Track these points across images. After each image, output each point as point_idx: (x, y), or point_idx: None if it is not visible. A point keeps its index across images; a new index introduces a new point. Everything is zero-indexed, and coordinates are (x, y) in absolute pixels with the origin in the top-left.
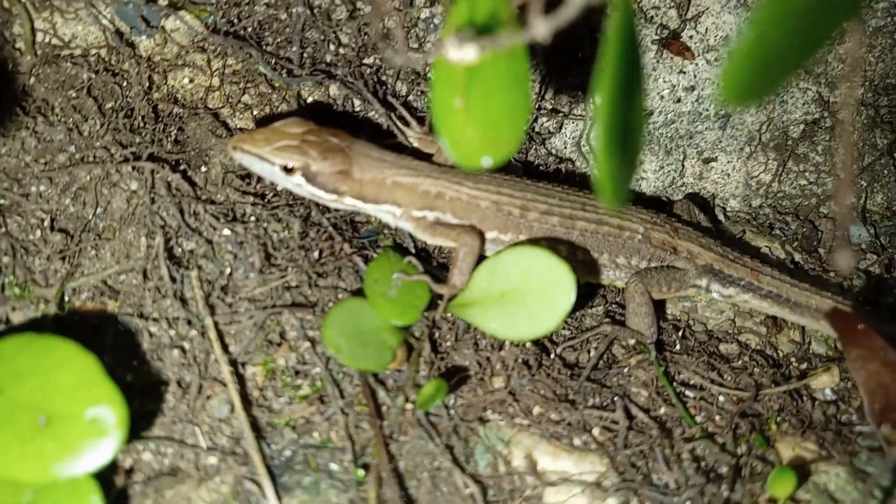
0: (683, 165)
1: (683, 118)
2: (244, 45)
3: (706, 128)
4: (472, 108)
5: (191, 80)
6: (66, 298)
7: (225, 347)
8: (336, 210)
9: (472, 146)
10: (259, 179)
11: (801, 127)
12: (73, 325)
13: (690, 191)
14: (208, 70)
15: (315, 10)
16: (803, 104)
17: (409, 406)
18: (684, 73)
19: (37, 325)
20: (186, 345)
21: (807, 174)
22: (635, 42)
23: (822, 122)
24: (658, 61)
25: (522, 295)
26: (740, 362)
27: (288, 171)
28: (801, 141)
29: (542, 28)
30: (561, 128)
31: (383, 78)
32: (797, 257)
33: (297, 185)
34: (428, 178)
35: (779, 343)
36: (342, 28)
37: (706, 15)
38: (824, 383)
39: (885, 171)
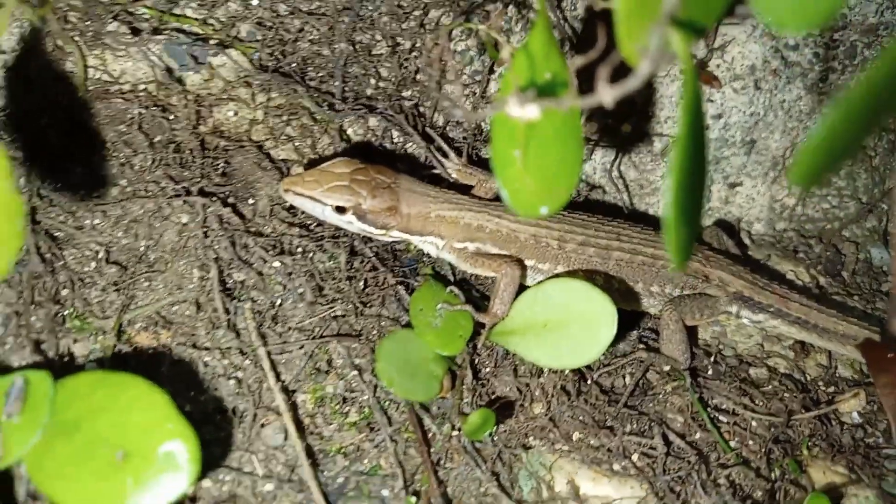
0: (710, 190)
1: (711, 144)
2: (288, 81)
3: (732, 153)
4: (530, 160)
5: (235, 114)
6: (122, 329)
7: (277, 376)
8: (382, 242)
9: (529, 196)
10: (304, 211)
11: None
12: (130, 356)
13: (717, 216)
14: (252, 104)
15: (357, 46)
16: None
17: (454, 433)
18: (712, 101)
19: (97, 357)
20: (240, 374)
21: (829, 198)
22: (702, 121)
23: None
24: None
25: (565, 325)
26: (770, 387)
27: (340, 210)
28: None
29: (608, 96)
30: (591, 154)
31: (421, 110)
32: (822, 281)
33: (348, 222)
34: (469, 212)
35: (806, 367)
36: (382, 63)
37: (733, 45)
38: (852, 407)
39: None
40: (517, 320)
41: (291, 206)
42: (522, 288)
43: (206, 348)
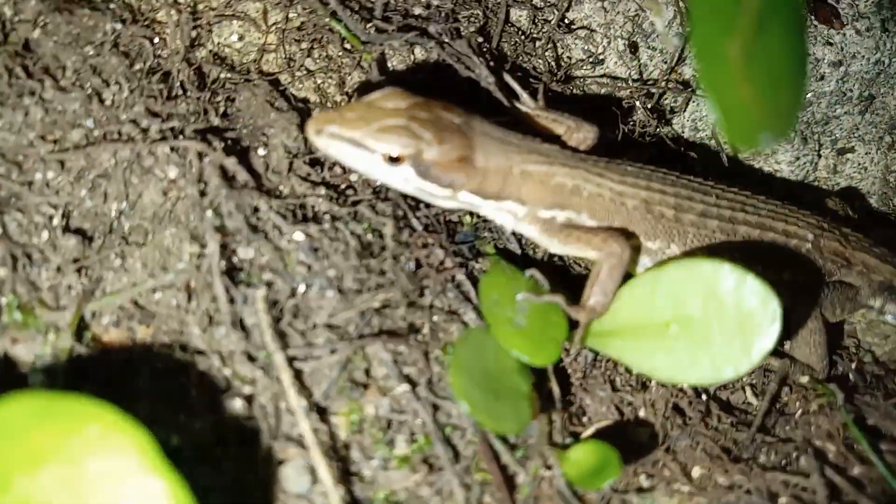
0: (819, 155)
1: (823, 100)
2: None
3: (845, 112)
4: (754, 58)
5: (241, 38)
6: (85, 325)
7: (303, 392)
8: (438, 208)
9: (749, 115)
10: (333, 165)
11: None
12: (94, 362)
13: (825, 186)
14: (264, 24)
15: None
16: None
17: (546, 473)
18: (831, 44)
19: (47, 366)
20: (248, 389)
21: None
22: None
23: None
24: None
25: (700, 325)
26: None
27: (394, 160)
28: None
29: None
30: (687, 105)
31: (486, 38)
32: None
33: (403, 179)
34: (563, 167)
35: None
36: None
37: None
38: None
39: None
40: (625, 317)
41: (317, 159)
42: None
43: (202, 352)
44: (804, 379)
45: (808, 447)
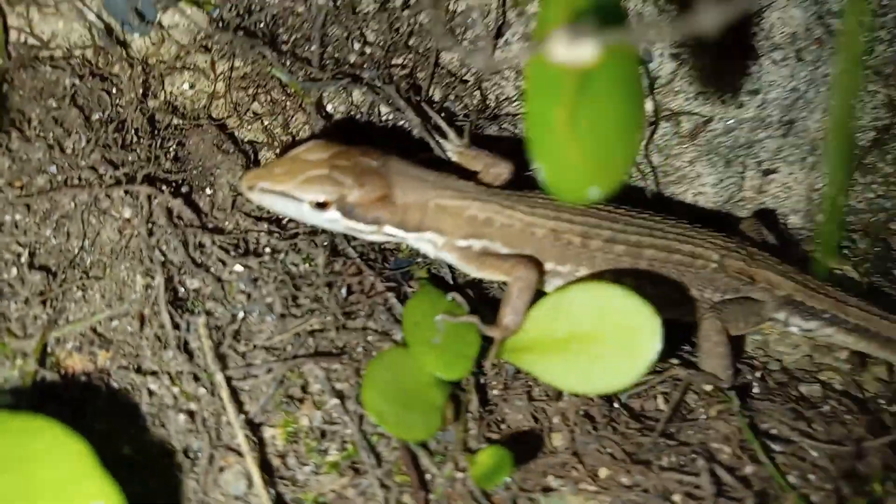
0: (743, 178)
1: (745, 125)
2: (255, 44)
3: (767, 136)
4: (580, 123)
5: (192, 86)
6: (49, 351)
7: (239, 407)
8: (366, 240)
9: (576, 173)
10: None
11: (870, 134)
12: (57, 384)
13: (750, 206)
14: (212, 74)
15: (338, 2)
16: (872, 108)
17: (458, 475)
18: (748, 74)
19: (14, 390)
20: (193, 406)
21: (875, 186)
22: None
23: (892, 129)
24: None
25: (595, 340)
26: (828, 407)
27: (320, 206)
28: (869, 149)
29: (712, 18)
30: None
31: (416, 82)
32: (872, 280)
33: (331, 220)
34: (476, 202)
35: (864, 382)
36: (369, 23)
37: (771, 9)
38: None
39: None
40: (534, 334)
41: None
42: (538, 295)
43: (153, 373)
44: (708, 387)
45: (703, 449)
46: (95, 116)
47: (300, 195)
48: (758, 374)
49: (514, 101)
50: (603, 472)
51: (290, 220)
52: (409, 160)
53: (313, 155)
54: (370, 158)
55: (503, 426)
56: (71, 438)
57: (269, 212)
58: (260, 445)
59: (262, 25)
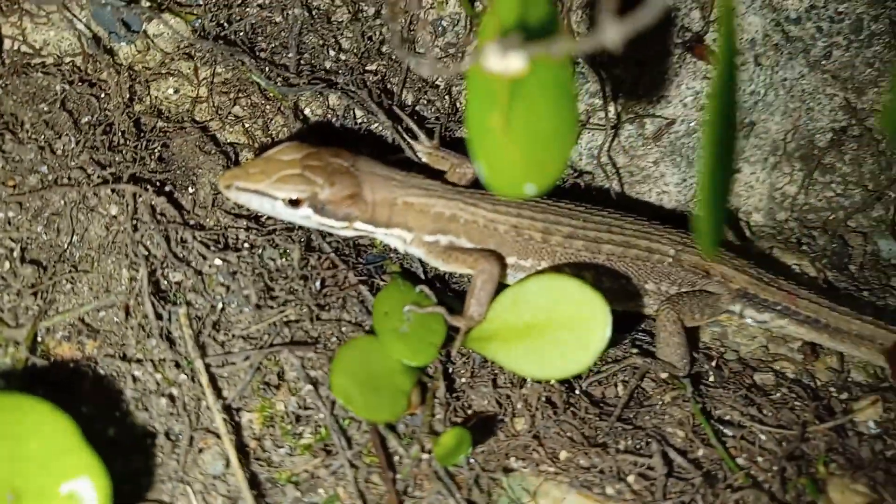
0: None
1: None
2: (235, 52)
3: None
4: (514, 126)
5: (176, 91)
6: (40, 339)
7: (218, 393)
8: (339, 236)
9: (513, 171)
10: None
11: (829, 135)
12: (46, 370)
13: None
14: (195, 79)
15: (314, 12)
16: (830, 111)
17: (424, 456)
18: (708, 78)
19: (6, 374)
20: (175, 391)
21: (833, 185)
22: (735, 101)
23: (850, 130)
24: (681, 66)
25: (551, 329)
26: (779, 395)
27: (294, 203)
28: (827, 150)
29: (614, 33)
30: (577, 138)
31: (388, 86)
32: (828, 275)
33: (304, 217)
34: (441, 199)
35: (816, 371)
36: (343, 32)
37: None
38: (868, 415)
39: None
40: (496, 324)
41: None
42: (502, 287)
43: (137, 360)
44: (664, 375)
45: (658, 433)
46: (84, 120)
47: (274, 193)
48: (713, 364)
49: None
50: (563, 455)
51: (268, 218)
52: (379, 160)
53: (287, 156)
54: (341, 159)
55: (469, 411)
56: (57, 416)
57: (247, 210)
58: (237, 429)
59: (241, 35)
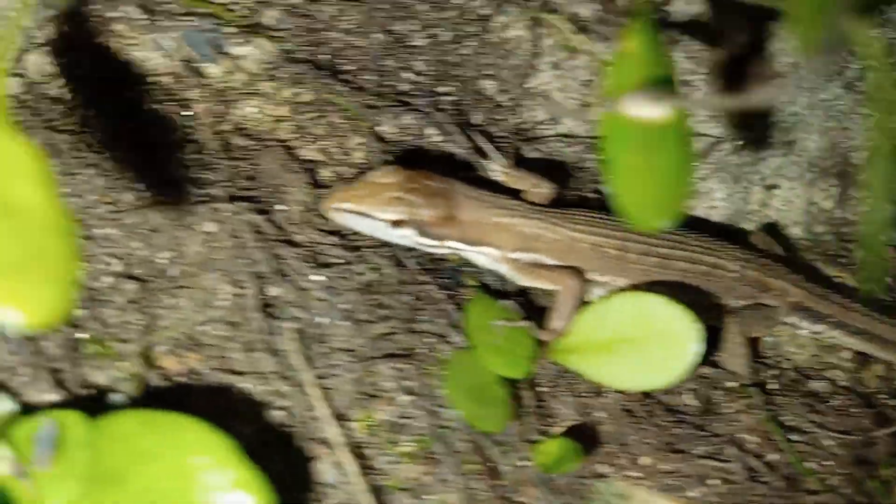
0: (749, 193)
1: (750, 146)
2: (318, 75)
3: (770, 154)
4: (647, 167)
5: (259, 111)
6: (147, 353)
7: (329, 403)
8: (428, 253)
9: (647, 208)
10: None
11: (864, 153)
12: (156, 385)
13: (755, 219)
14: (278, 99)
15: (394, 36)
16: (866, 130)
17: (522, 463)
18: None
19: (121, 389)
20: (285, 402)
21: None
22: None
23: (881, 149)
24: None
25: (640, 344)
26: (837, 401)
27: (396, 224)
28: (862, 167)
29: (763, 95)
30: None
31: (460, 108)
32: (874, 288)
33: (403, 237)
34: (526, 219)
35: (865, 379)
36: (418, 55)
37: (774, 39)
38: None
39: None
40: (580, 337)
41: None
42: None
43: (244, 374)
44: (731, 384)
45: (733, 439)
46: (175, 138)
47: (379, 215)
48: (773, 373)
49: (545, 124)
50: (644, 461)
51: (354, 235)
52: (467, 182)
53: (387, 179)
54: (435, 182)
55: (553, 420)
56: (213, 432)
57: (335, 227)
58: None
59: (324, 58)
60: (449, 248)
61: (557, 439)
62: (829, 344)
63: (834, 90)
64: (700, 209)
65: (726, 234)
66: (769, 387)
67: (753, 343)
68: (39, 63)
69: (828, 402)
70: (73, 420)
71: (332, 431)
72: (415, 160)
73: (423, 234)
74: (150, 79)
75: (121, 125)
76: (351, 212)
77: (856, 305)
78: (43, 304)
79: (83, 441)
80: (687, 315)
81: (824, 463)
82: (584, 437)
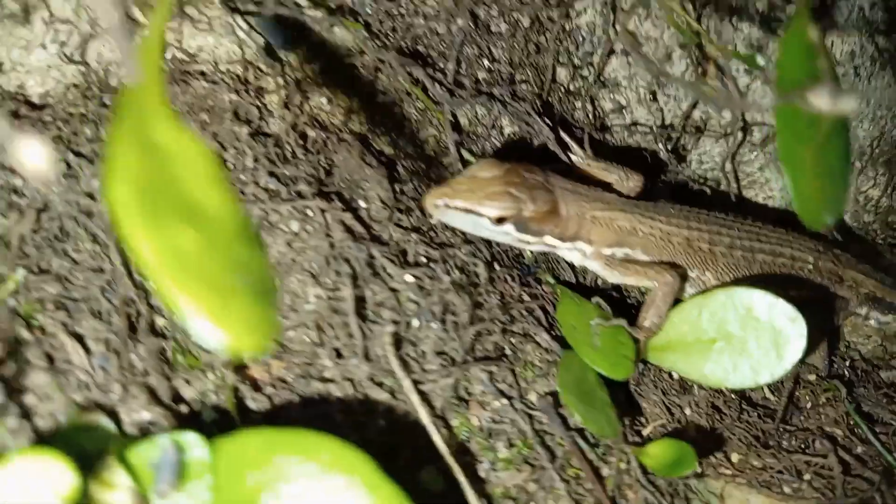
0: None
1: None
2: (404, 62)
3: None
4: (819, 163)
5: (329, 101)
6: (233, 363)
7: (432, 409)
8: (523, 249)
9: (816, 202)
10: (417, 212)
11: None
12: (247, 395)
13: None
14: (352, 89)
15: (477, 23)
16: None
17: (625, 466)
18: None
19: (213, 402)
20: (383, 411)
21: None
22: None
23: None
24: None
25: (740, 341)
26: None
27: (500, 220)
28: None
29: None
30: (698, 143)
31: (538, 97)
32: None
33: (504, 233)
34: (622, 213)
35: None
36: (497, 42)
37: (832, 31)
38: None
39: None
40: (672, 334)
41: (406, 208)
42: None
43: (334, 381)
44: (811, 377)
45: (821, 433)
46: (246, 130)
47: (483, 211)
48: (846, 364)
49: (613, 113)
50: (735, 458)
51: (438, 231)
52: (563, 174)
53: (488, 172)
54: (536, 175)
55: (642, 419)
56: (351, 450)
57: (417, 223)
58: (455, 446)
59: (404, 44)
60: (545, 244)
61: (666, 441)
62: (893, 333)
63: (886, 78)
64: (758, 198)
65: (783, 222)
66: (846, 378)
67: (829, 335)
68: (100, 49)
69: None
70: (192, 442)
71: (437, 438)
72: (497, 151)
73: (526, 230)
74: (216, 66)
75: (187, 118)
76: (454, 208)
77: None
78: (250, 327)
79: (205, 465)
80: (792, 310)
81: None
82: (676, 435)
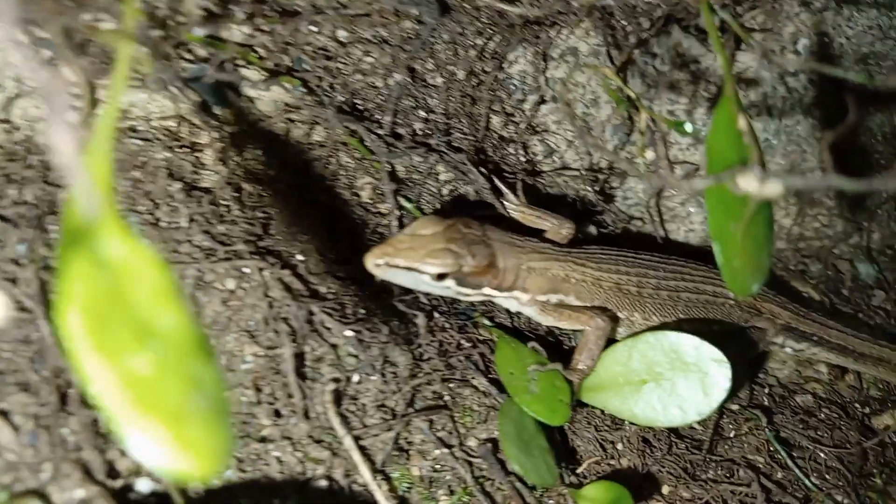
0: None
1: None
2: (343, 119)
3: None
4: (745, 236)
5: (264, 152)
6: None
7: (372, 466)
8: (463, 301)
9: (743, 273)
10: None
11: (817, 173)
12: None
13: None
14: (288, 141)
15: (414, 77)
16: (819, 153)
17: None
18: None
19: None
20: (323, 469)
21: (820, 217)
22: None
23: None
24: (709, 118)
25: (669, 382)
26: (823, 415)
27: (441, 277)
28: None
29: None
30: (623, 182)
31: (472, 146)
32: (833, 300)
33: (445, 287)
34: (556, 262)
35: (840, 389)
36: (432, 94)
37: (747, 73)
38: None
39: (880, 212)
40: (604, 375)
41: (343, 261)
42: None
43: (272, 441)
44: (734, 406)
45: (744, 461)
46: (179, 187)
47: (425, 269)
48: (765, 391)
49: (544, 158)
50: (665, 489)
51: (375, 283)
52: (497, 226)
53: (428, 230)
54: (473, 229)
55: (577, 457)
56: None
57: (354, 275)
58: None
59: (343, 99)
60: (484, 294)
61: (602, 483)
62: (806, 359)
63: (795, 116)
64: (679, 232)
65: (704, 256)
66: (767, 405)
67: (750, 365)
68: (26, 107)
69: (816, 415)
70: None
71: (379, 496)
72: (428, 199)
73: (465, 284)
74: (147, 122)
75: (118, 176)
76: (396, 266)
77: (832, 323)
78: (206, 452)
79: None
80: (716, 351)
81: (826, 477)
82: (611, 475)
